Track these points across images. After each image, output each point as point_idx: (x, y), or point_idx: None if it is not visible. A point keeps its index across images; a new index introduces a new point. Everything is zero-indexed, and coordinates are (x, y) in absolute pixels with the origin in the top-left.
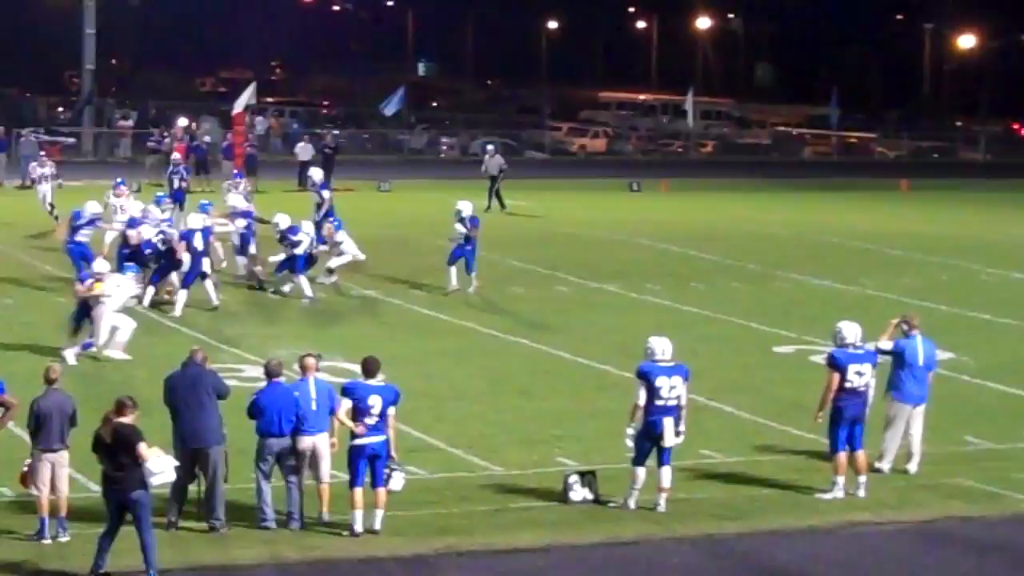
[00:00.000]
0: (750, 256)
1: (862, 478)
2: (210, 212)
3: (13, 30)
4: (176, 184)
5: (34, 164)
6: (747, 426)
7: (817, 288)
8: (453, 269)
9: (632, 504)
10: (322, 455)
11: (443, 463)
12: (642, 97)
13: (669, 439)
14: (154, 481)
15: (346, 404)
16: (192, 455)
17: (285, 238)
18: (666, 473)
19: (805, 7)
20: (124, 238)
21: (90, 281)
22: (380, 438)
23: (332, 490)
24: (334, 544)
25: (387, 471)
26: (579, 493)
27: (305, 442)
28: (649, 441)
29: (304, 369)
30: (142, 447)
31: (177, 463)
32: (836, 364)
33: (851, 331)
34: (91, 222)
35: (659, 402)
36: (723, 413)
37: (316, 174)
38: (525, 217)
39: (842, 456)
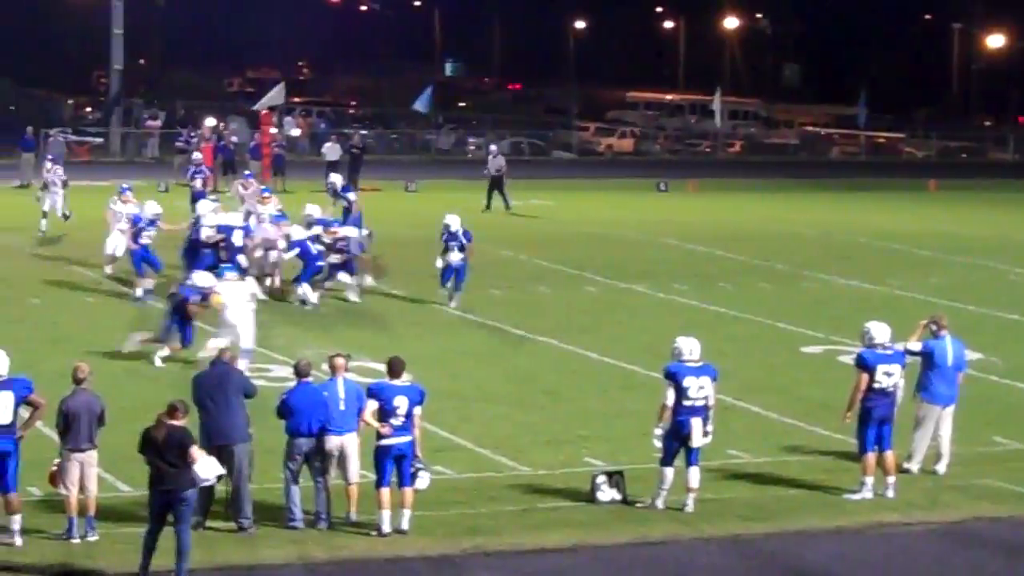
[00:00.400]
0: (778, 256)
1: (891, 479)
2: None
3: (41, 30)
4: (199, 185)
5: (49, 165)
6: (774, 426)
7: (845, 288)
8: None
9: (660, 504)
10: (350, 455)
11: (470, 463)
12: (669, 97)
13: (697, 439)
14: (203, 481)
15: (372, 405)
16: (217, 452)
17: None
18: (694, 473)
19: (833, 7)
20: (191, 241)
21: (198, 297)
22: (406, 438)
23: (360, 490)
24: (362, 544)
25: (413, 471)
26: (607, 493)
27: (333, 442)
28: (677, 441)
29: (333, 369)
30: (194, 449)
31: (222, 470)
32: (865, 364)
33: (880, 331)
34: (152, 223)
35: (687, 402)
36: (750, 413)
37: (337, 180)
38: (552, 217)
39: (871, 457)
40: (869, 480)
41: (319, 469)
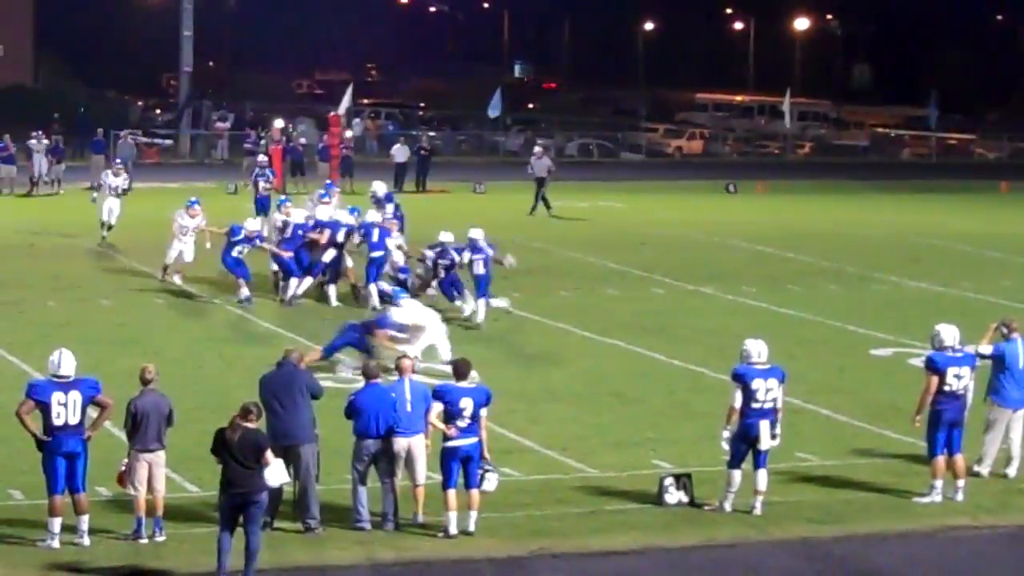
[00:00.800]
0: (847, 258)
1: (960, 482)
2: (284, 210)
3: (112, 32)
4: (261, 188)
5: (108, 172)
6: (844, 429)
7: (915, 290)
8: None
9: (728, 507)
10: (417, 457)
11: (537, 465)
12: (739, 98)
13: (765, 442)
14: (273, 483)
15: (437, 407)
16: (283, 453)
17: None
18: (762, 476)
19: (904, 7)
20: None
21: (393, 332)
22: (472, 440)
23: (427, 491)
24: (428, 545)
25: (481, 472)
26: (674, 495)
27: (400, 443)
28: (745, 444)
29: (400, 370)
30: (269, 453)
31: (288, 478)
32: (935, 367)
33: (949, 334)
34: (248, 240)
35: (755, 405)
36: (819, 416)
37: (379, 188)
38: (621, 219)
39: (940, 460)
40: (939, 483)
41: (386, 470)
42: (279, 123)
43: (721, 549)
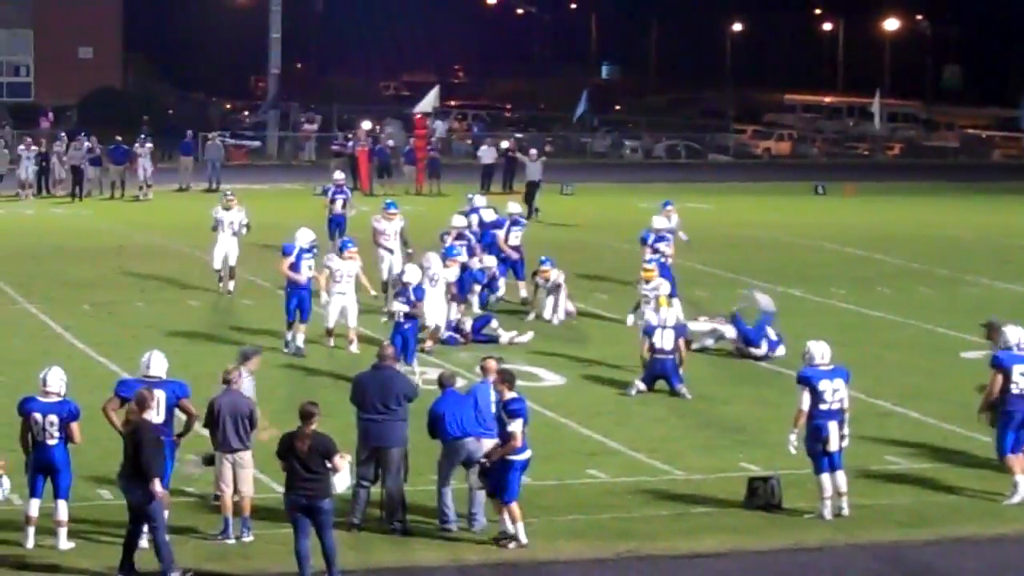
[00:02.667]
0: (937, 260)
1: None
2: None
3: (200, 35)
4: (339, 207)
5: (217, 208)
6: (933, 432)
7: (1006, 292)
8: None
9: (827, 514)
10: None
11: (624, 467)
12: (828, 99)
13: (834, 443)
14: (338, 489)
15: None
16: (374, 454)
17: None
18: (841, 477)
19: (994, 7)
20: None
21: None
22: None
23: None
24: (510, 547)
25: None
26: (762, 498)
27: (486, 444)
28: (820, 445)
29: (484, 371)
30: (337, 458)
31: (350, 481)
32: (1000, 365)
33: (1015, 334)
34: (309, 250)
35: (823, 406)
36: (909, 419)
37: (479, 200)
38: (709, 221)
39: (1012, 458)
40: (1021, 479)
41: (473, 471)
42: (366, 124)
43: (809, 552)
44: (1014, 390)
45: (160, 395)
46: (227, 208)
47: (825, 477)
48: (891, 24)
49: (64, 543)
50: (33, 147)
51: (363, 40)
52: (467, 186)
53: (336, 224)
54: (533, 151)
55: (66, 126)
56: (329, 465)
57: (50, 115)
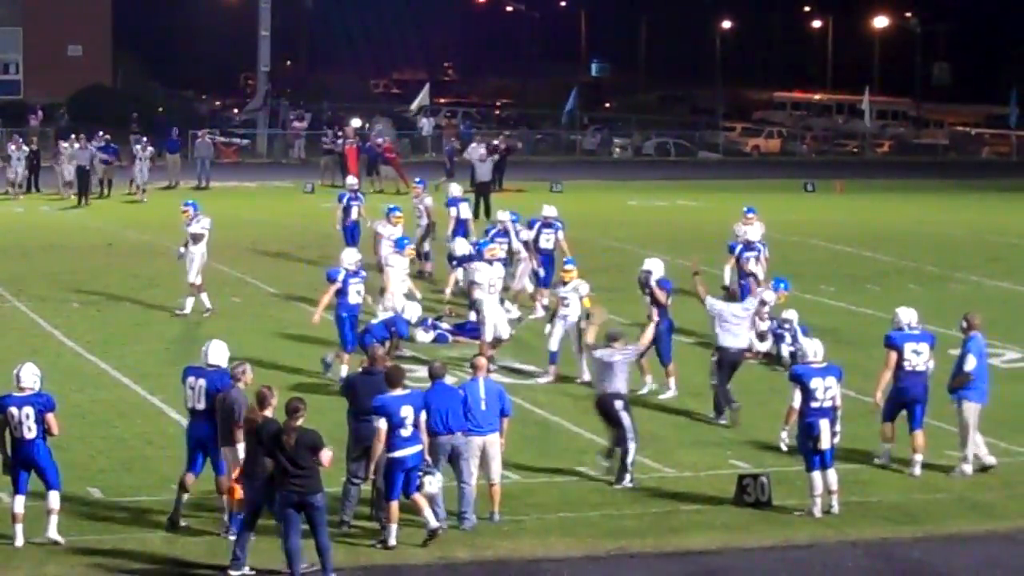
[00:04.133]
0: (927, 257)
1: (918, 456)
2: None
3: (189, 32)
4: (355, 214)
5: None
6: (923, 429)
7: (995, 290)
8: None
9: (817, 512)
10: (492, 455)
11: (615, 464)
12: (817, 97)
13: (825, 441)
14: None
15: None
16: (365, 452)
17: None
18: (831, 475)
19: (983, 5)
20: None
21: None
22: (417, 448)
23: (503, 490)
24: (504, 544)
25: (420, 475)
26: (752, 496)
27: (475, 441)
28: (811, 442)
29: (475, 368)
30: (325, 453)
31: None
32: (893, 344)
33: (907, 315)
34: (356, 273)
35: (814, 404)
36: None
37: (455, 189)
38: (698, 218)
39: (888, 427)
40: (919, 456)
41: (461, 468)
42: (355, 122)
43: (798, 550)
44: (906, 367)
45: (202, 383)
46: (193, 222)
47: (816, 475)
48: (880, 22)
49: (53, 533)
50: (24, 147)
51: (353, 38)
52: (459, 183)
53: (350, 233)
54: (482, 151)
55: (56, 124)
56: (314, 459)
57: (39, 113)
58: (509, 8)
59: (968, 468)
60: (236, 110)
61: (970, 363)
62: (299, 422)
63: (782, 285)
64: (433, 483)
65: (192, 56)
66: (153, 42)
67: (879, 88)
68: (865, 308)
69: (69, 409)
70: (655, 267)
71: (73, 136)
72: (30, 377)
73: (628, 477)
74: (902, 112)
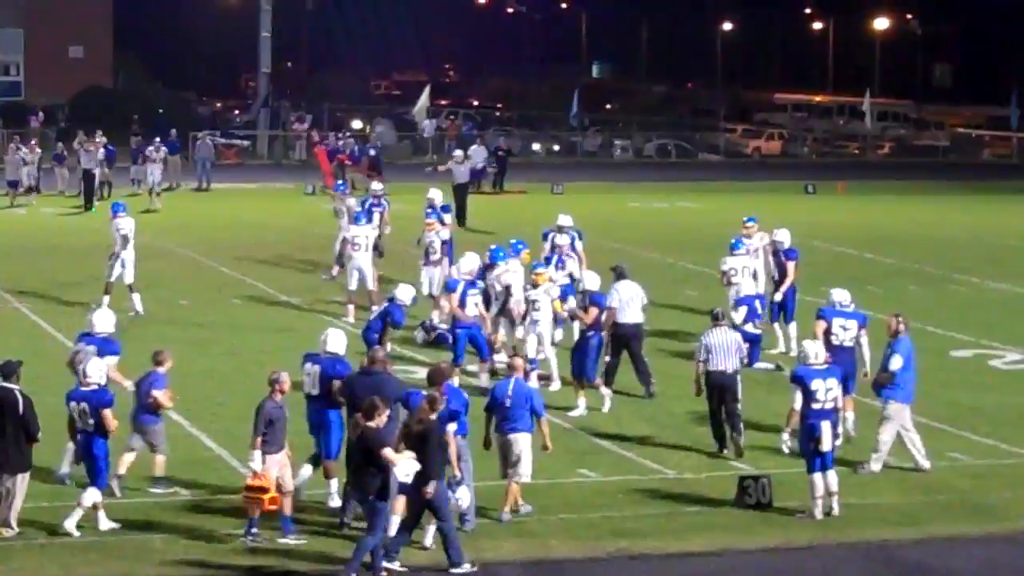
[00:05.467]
0: (927, 259)
1: (849, 414)
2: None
3: (189, 34)
4: (376, 219)
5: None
6: (923, 431)
7: (995, 292)
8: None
9: (818, 514)
10: (517, 454)
11: (615, 466)
12: (818, 98)
13: (827, 443)
14: (402, 480)
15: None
16: None
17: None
18: (832, 477)
19: (984, 6)
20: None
21: None
22: None
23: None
24: (504, 546)
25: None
26: (752, 497)
27: (500, 440)
28: (812, 444)
29: (512, 368)
30: (388, 452)
31: (416, 466)
32: (823, 316)
33: (839, 295)
34: (473, 283)
35: (816, 405)
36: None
37: (437, 197)
38: (699, 220)
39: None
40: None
41: (461, 471)
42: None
43: (799, 552)
44: (834, 341)
45: (315, 369)
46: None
47: (817, 476)
48: (881, 23)
49: (71, 525)
50: (23, 147)
51: (354, 39)
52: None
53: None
54: (458, 152)
55: (55, 125)
56: (376, 462)
57: (40, 115)
58: (510, 9)
59: (877, 466)
60: (237, 111)
61: (895, 363)
62: (372, 422)
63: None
64: (464, 497)
65: (193, 57)
66: (154, 43)
67: (880, 90)
68: (866, 310)
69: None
70: (591, 281)
71: (79, 138)
72: (96, 372)
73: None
74: (903, 114)
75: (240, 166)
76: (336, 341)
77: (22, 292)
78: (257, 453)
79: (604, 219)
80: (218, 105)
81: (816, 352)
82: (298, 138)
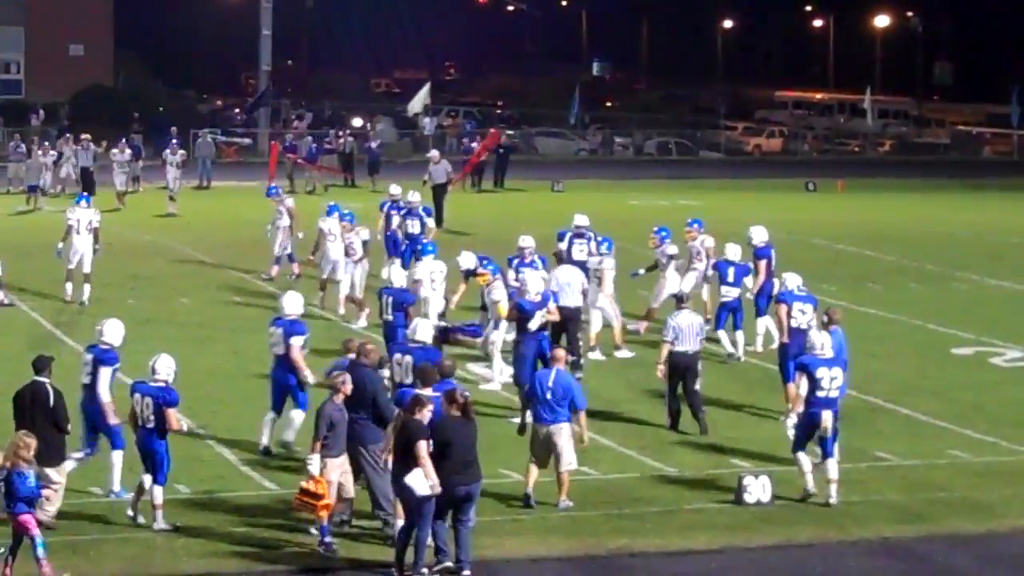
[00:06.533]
0: (928, 256)
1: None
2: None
3: (190, 32)
4: (396, 223)
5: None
6: (924, 428)
7: (996, 289)
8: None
9: (810, 486)
10: (559, 445)
11: (615, 464)
12: (819, 96)
13: (827, 431)
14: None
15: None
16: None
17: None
18: (832, 465)
19: (984, 4)
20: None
21: None
22: None
23: (505, 489)
24: (505, 544)
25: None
26: (753, 495)
27: (541, 431)
28: (810, 429)
29: (554, 359)
30: (422, 451)
31: (431, 490)
32: (784, 301)
33: (793, 280)
34: (542, 305)
35: (820, 393)
36: (900, 415)
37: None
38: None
39: (791, 387)
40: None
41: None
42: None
43: (800, 549)
44: (793, 324)
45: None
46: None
47: (801, 455)
48: (882, 21)
49: (161, 523)
50: (22, 144)
51: (354, 37)
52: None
53: (393, 242)
54: (434, 152)
55: (57, 124)
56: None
57: (41, 113)
58: (511, 7)
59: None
60: (237, 109)
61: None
62: (414, 415)
63: None
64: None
65: (193, 56)
66: (154, 42)
67: (880, 87)
68: (867, 307)
69: (70, 409)
70: (533, 282)
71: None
72: (164, 368)
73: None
74: (903, 111)
75: (240, 164)
76: (425, 331)
77: (23, 289)
78: (316, 457)
79: (605, 217)
80: (218, 103)
81: (823, 343)
82: (299, 136)
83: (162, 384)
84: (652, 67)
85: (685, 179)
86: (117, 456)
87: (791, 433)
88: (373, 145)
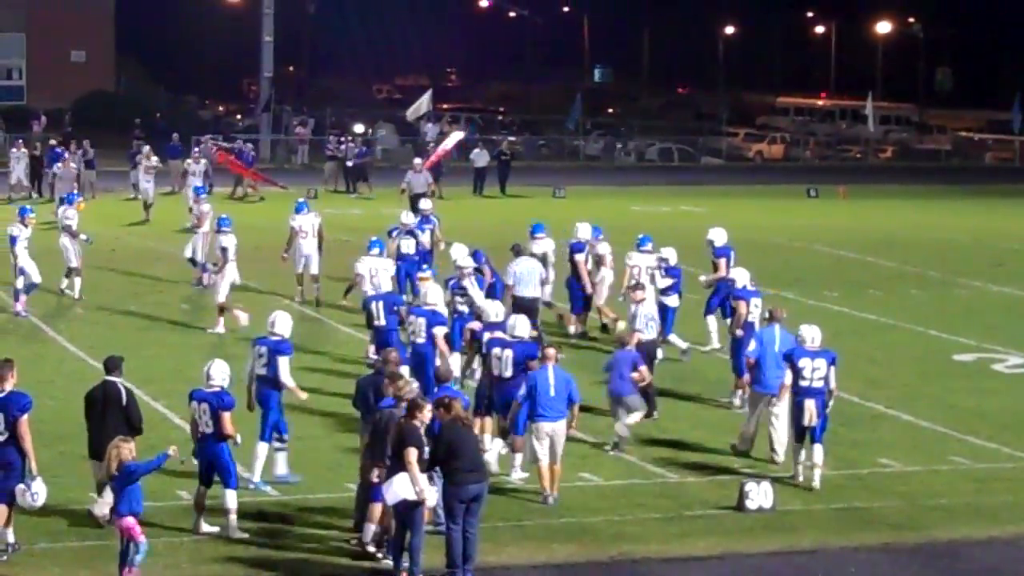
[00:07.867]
0: (930, 263)
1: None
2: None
3: (191, 38)
4: (426, 239)
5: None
6: (926, 435)
7: (998, 295)
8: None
9: (800, 478)
10: (559, 441)
11: (617, 470)
12: (820, 102)
13: (810, 418)
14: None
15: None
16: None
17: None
18: (818, 450)
19: (986, 10)
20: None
21: None
22: None
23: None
24: (506, 550)
25: None
26: (755, 501)
27: (544, 428)
28: (800, 418)
29: (545, 358)
30: (411, 458)
31: (422, 498)
32: (742, 297)
33: (743, 276)
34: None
35: (803, 382)
36: (901, 421)
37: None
38: (701, 224)
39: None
40: (740, 392)
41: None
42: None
43: (802, 555)
44: (750, 318)
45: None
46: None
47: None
48: (883, 27)
49: (235, 531)
50: (24, 149)
51: (355, 43)
52: (463, 189)
53: (419, 254)
54: (417, 160)
55: (59, 130)
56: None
57: (43, 119)
58: (512, 13)
59: (745, 446)
60: (239, 115)
61: (750, 346)
62: (413, 420)
63: None
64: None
65: (195, 62)
66: (156, 48)
67: (882, 93)
68: (868, 313)
69: (71, 415)
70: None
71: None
72: (219, 374)
73: None
74: (905, 117)
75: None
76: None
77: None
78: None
79: (607, 223)
80: (220, 109)
81: (812, 336)
82: (301, 142)
83: (217, 389)
84: (654, 73)
85: (687, 185)
86: (262, 448)
87: (739, 410)
88: (359, 151)
